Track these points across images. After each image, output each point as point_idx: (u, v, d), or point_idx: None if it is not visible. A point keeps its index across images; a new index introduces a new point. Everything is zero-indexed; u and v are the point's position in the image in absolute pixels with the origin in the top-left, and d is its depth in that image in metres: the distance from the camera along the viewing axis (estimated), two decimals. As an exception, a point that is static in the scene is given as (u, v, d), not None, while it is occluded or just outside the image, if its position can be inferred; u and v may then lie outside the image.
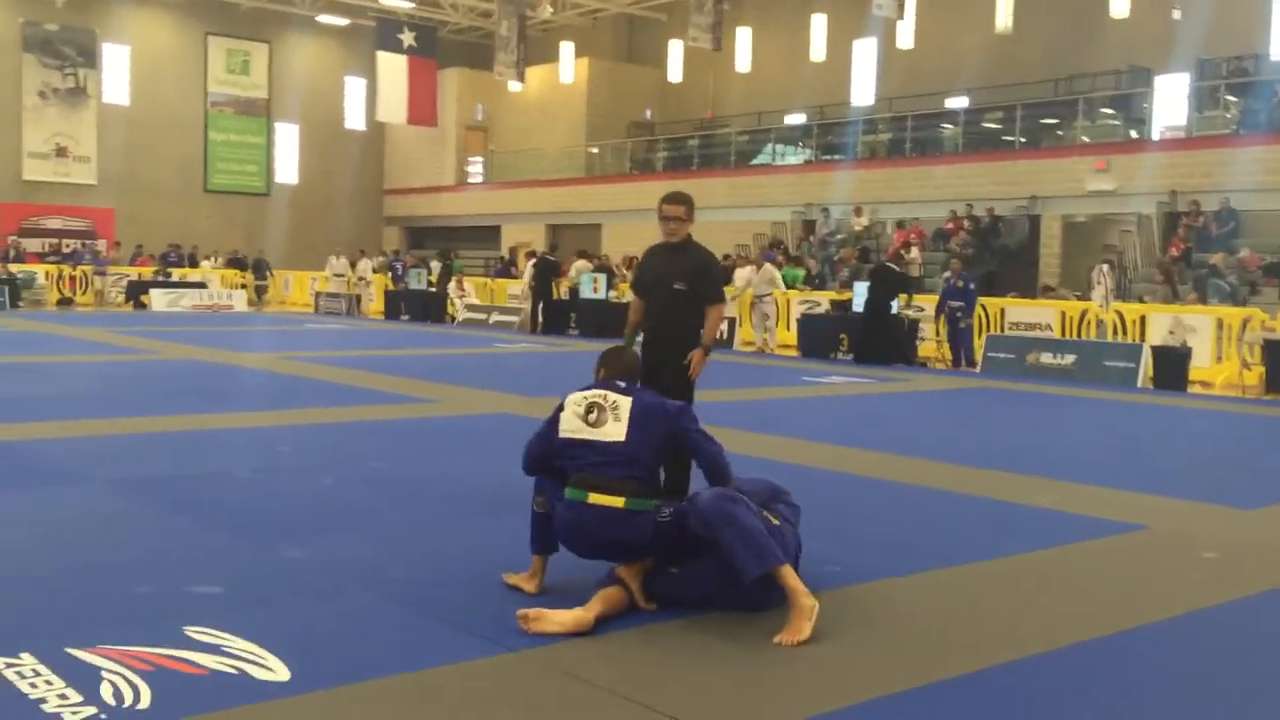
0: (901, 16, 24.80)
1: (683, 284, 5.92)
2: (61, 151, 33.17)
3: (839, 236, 24.89)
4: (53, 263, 30.11)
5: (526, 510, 4.58)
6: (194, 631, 3.89)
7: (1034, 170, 22.80)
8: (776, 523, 4.39)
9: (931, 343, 18.13)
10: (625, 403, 4.36)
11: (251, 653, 3.72)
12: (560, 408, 4.45)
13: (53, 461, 7.05)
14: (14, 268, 27.98)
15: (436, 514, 5.93)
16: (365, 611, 4.25)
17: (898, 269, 17.72)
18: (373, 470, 7.11)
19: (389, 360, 15.17)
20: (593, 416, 4.33)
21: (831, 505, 6.47)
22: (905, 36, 26.00)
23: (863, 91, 28.61)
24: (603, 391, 4.42)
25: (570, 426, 4.37)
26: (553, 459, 4.43)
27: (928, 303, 18.70)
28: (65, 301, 28.24)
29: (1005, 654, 3.97)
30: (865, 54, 28.56)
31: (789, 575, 4.11)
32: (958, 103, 26.20)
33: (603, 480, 4.22)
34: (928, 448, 8.70)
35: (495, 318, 24.29)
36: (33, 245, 31.80)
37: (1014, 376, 15.30)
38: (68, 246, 32.31)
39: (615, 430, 4.29)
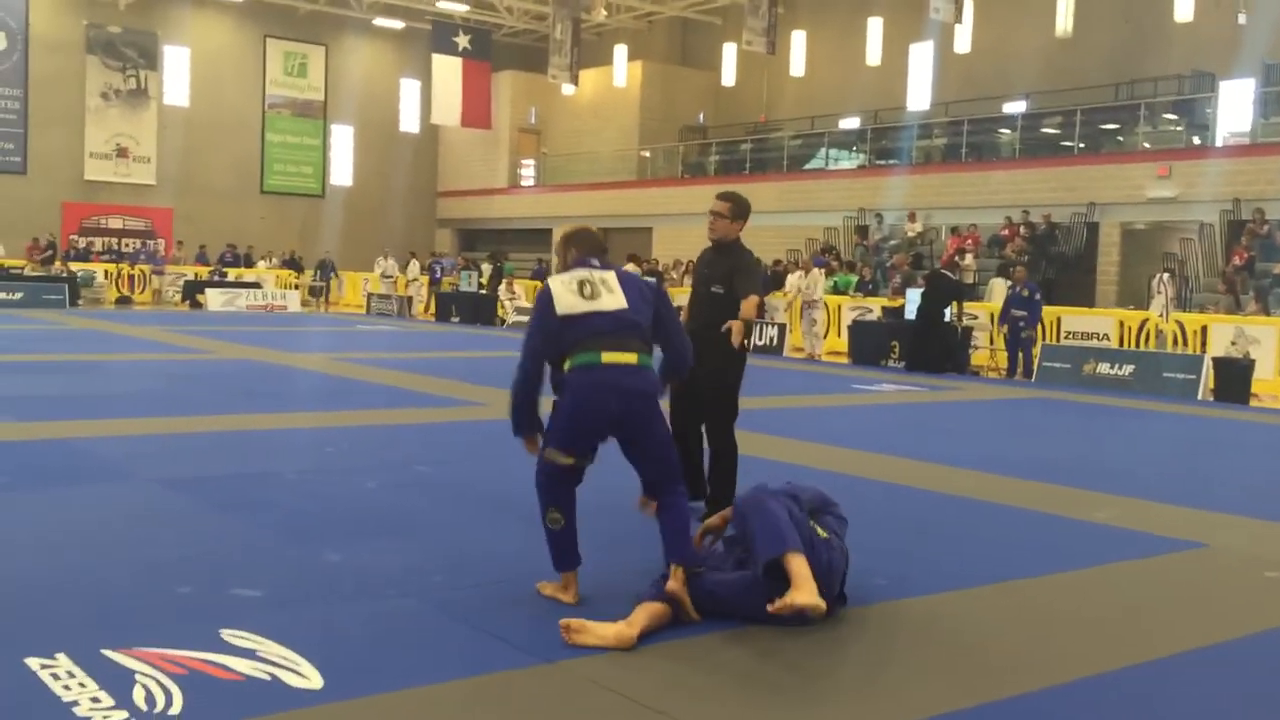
0: (959, 20, 24.50)
1: (720, 287, 5.80)
2: (122, 152, 33.71)
3: (892, 242, 24.63)
4: (111, 261, 30.61)
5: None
6: (230, 635, 3.87)
7: (1093, 176, 22.41)
8: (825, 535, 4.29)
9: (985, 351, 17.87)
10: (610, 275, 4.42)
11: (286, 658, 3.68)
12: (547, 296, 4.38)
13: (104, 460, 7.10)
14: (74, 266, 28.49)
15: (479, 519, 5.88)
16: (402, 617, 4.20)
17: (951, 276, 17.46)
18: (418, 474, 7.09)
19: (438, 362, 15.21)
20: (588, 290, 4.34)
21: (880, 517, 6.35)
22: (962, 40, 25.69)
23: (918, 96, 28.29)
24: (586, 271, 4.41)
25: (567, 304, 4.32)
26: (554, 342, 4.34)
27: (981, 310, 18.44)
28: (124, 300, 28.70)
29: (1060, 675, 3.84)
30: (921, 58, 28.23)
31: (797, 563, 4.04)
32: (1015, 107, 25.84)
33: (613, 341, 4.25)
34: (980, 459, 8.53)
35: (545, 320, 24.24)
36: (93, 244, 32.34)
37: (1070, 387, 15.03)
38: (127, 245, 32.83)
39: (613, 300, 4.33)
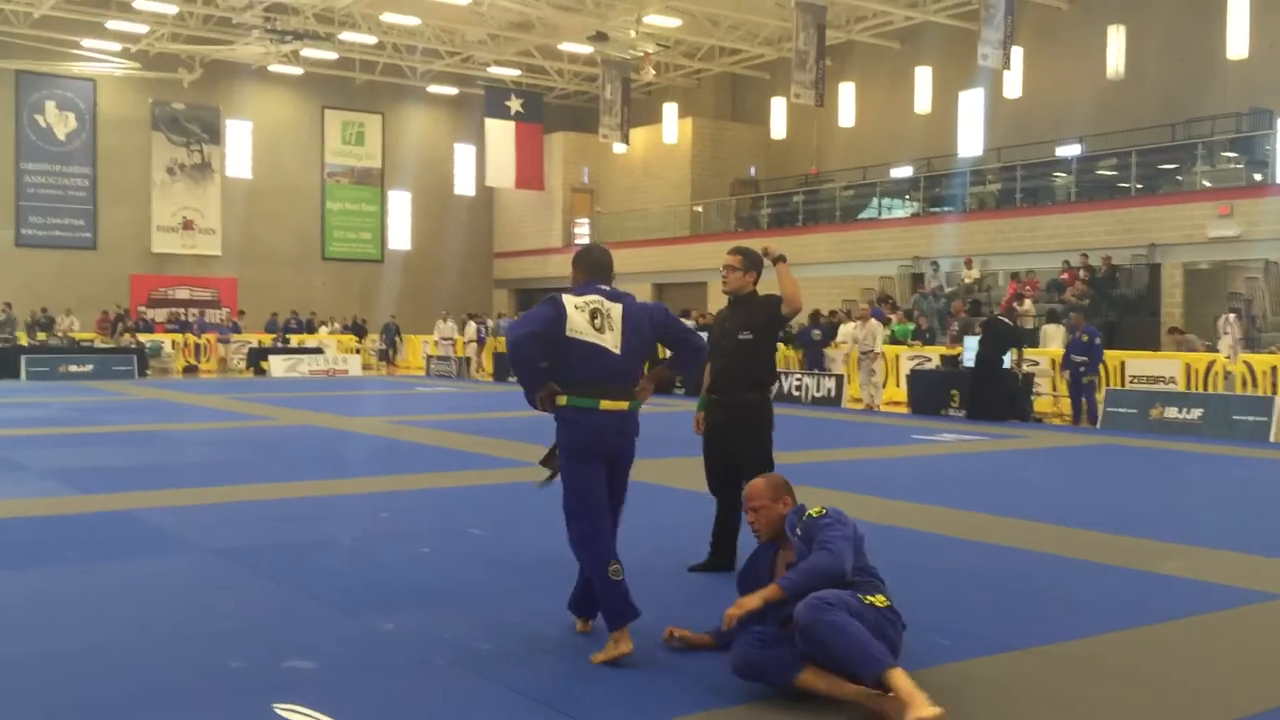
0: (1008, 67, 24.42)
1: (748, 333, 5.94)
2: (188, 224, 34.54)
3: (949, 290, 24.42)
4: (178, 331, 31.26)
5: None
6: (283, 709, 3.86)
7: (1152, 217, 22.08)
8: (884, 604, 4.15)
9: (1048, 398, 17.56)
10: (617, 311, 4.69)
11: (338, 732, 3.66)
12: (558, 303, 4.61)
13: (163, 530, 7.18)
14: (142, 337, 29.12)
15: (533, 584, 5.83)
16: (455, 689, 4.16)
17: (1009, 322, 17.25)
18: (472, 539, 7.07)
19: (495, 423, 15.26)
20: (597, 322, 4.64)
21: (941, 572, 6.21)
22: (1012, 86, 25.61)
23: (970, 142, 28.18)
24: (598, 298, 4.69)
25: (578, 327, 4.59)
26: (552, 346, 4.57)
27: (1042, 356, 18.17)
28: (190, 369, 29.24)
29: (1129, 740, 3.70)
30: (972, 104, 28.17)
31: (900, 678, 3.81)
32: (1069, 150, 25.61)
33: (610, 390, 4.62)
34: (1044, 509, 8.34)
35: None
36: (160, 315, 33.08)
37: (1137, 433, 14.70)
38: (193, 316, 33.53)
39: (612, 340, 4.63)
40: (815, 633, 3.88)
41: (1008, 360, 16.28)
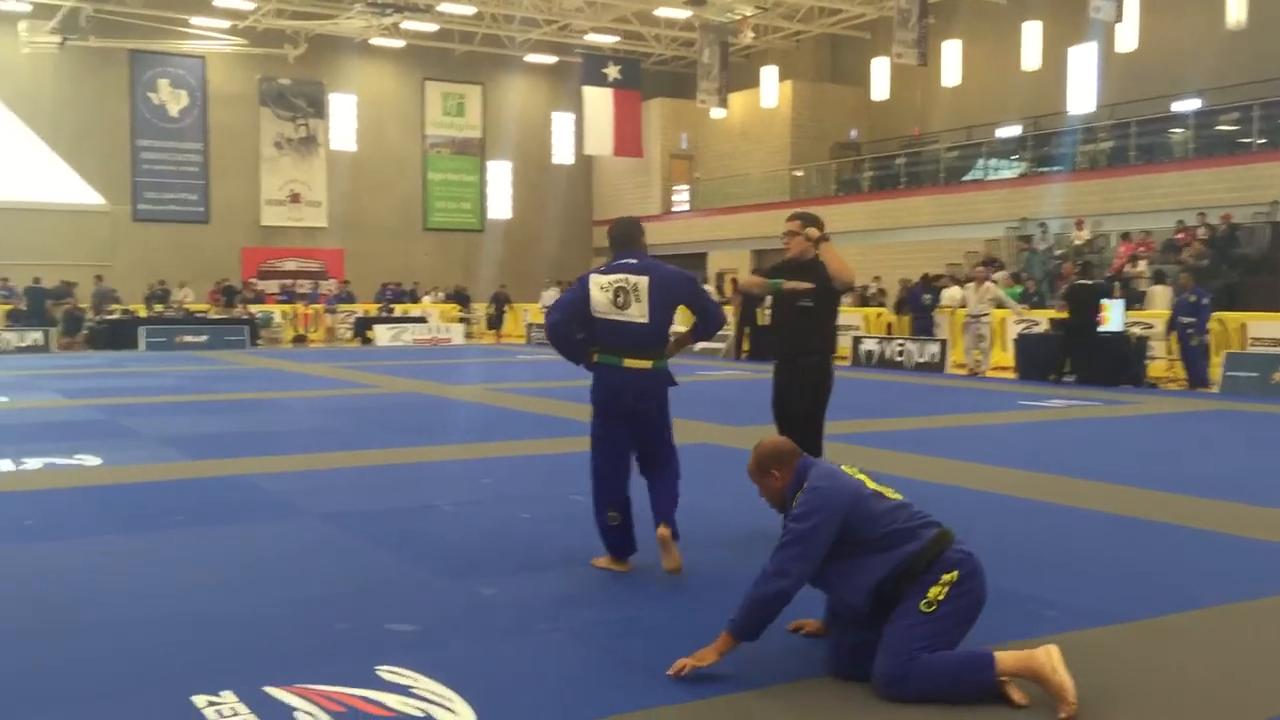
0: (1121, 19, 23.54)
1: (808, 301, 5.91)
2: (295, 197, 35.29)
3: (1059, 251, 23.73)
4: (287, 302, 32.04)
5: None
6: (386, 671, 3.91)
7: (1275, 173, 21.12)
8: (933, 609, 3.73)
9: (1162, 362, 17.00)
10: (644, 283, 5.14)
11: (439, 695, 3.70)
12: (584, 285, 5.19)
13: (270, 496, 7.36)
14: (253, 308, 29.92)
15: (640, 551, 5.82)
16: (554, 653, 4.18)
17: (1091, 282, 16.80)
18: (572, 504, 7.09)
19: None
20: (621, 300, 5.14)
21: (1049, 541, 6.06)
22: (1126, 39, 24.65)
23: (1081, 99, 27.26)
24: (624, 275, 5.15)
25: (602, 308, 5.15)
26: (581, 322, 5.21)
27: (1156, 319, 17.59)
28: (299, 339, 29.97)
29: (1256, 713, 3.55)
30: (1083, 60, 27.23)
31: (1008, 662, 3.63)
32: (1186, 105, 24.62)
33: (634, 350, 5.15)
34: (1157, 477, 8.07)
35: (700, 344, 24.25)
36: (270, 286, 33.92)
37: (1257, 397, 14.14)
38: (301, 287, 34.32)
39: (639, 312, 5.12)
40: (907, 682, 3.60)
41: (1121, 323, 15.80)
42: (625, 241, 5.35)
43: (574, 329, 5.25)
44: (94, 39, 30.22)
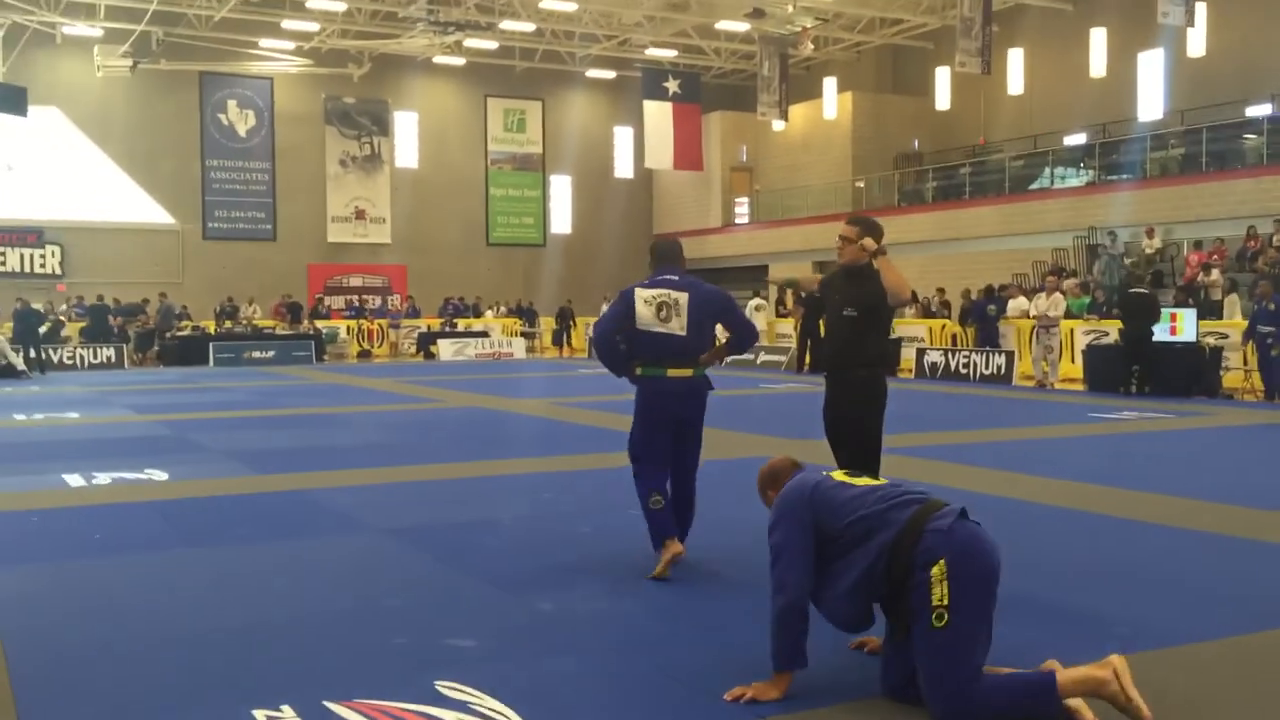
0: (1191, 24, 23.08)
1: (853, 309, 5.62)
2: (359, 214, 35.77)
3: (1129, 260, 23.28)
4: (352, 318, 32.46)
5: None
6: (444, 686, 3.90)
7: (1354, 178, 20.57)
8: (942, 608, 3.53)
9: (1238, 372, 16.58)
10: (684, 299, 5.53)
11: (497, 712, 3.68)
12: (629, 298, 5.57)
13: (332, 510, 7.41)
14: (320, 324, 30.34)
15: (689, 566, 5.77)
16: (613, 670, 4.14)
17: (1145, 291, 16.49)
18: (630, 519, 7.03)
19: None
20: (664, 314, 5.53)
21: (1120, 557, 5.90)
22: (1196, 44, 24.17)
23: (1150, 105, 26.77)
24: (666, 291, 5.54)
25: (646, 320, 5.53)
26: (623, 339, 5.60)
27: (1231, 329, 17.18)
28: (364, 354, 30.32)
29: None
30: (1151, 65, 26.75)
31: (1071, 682, 3.45)
32: (1260, 110, 24.05)
33: (674, 361, 5.55)
34: (1231, 490, 7.84)
35: (762, 357, 24.14)
36: (335, 302, 34.38)
37: (1338, 408, 13.72)
38: (366, 302, 34.75)
39: (679, 325, 5.52)
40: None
41: (1194, 334, 15.47)
42: (669, 258, 5.76)
43: (618, 340, 5.64)
44: (165, 62, 30.94)
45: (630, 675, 4.07)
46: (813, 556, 3.67)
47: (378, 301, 34.85)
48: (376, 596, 5.22)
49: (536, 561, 5.91)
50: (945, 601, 3.42)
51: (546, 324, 33.61)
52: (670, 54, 35.44)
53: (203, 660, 4.30)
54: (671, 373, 5.58)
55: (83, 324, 27.13)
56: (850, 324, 5.67)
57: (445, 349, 28.75)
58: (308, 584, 5.50)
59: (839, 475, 3.86)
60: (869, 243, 5.62)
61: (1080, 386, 17.80)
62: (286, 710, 3.70)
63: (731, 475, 9.12)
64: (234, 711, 3.70)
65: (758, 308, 26.83)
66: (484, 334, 30.81)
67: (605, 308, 27.00)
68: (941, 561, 3.45)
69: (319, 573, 5.74)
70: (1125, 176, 25.65)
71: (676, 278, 5.63)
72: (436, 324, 31.61)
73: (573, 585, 5.37)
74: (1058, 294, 18.57)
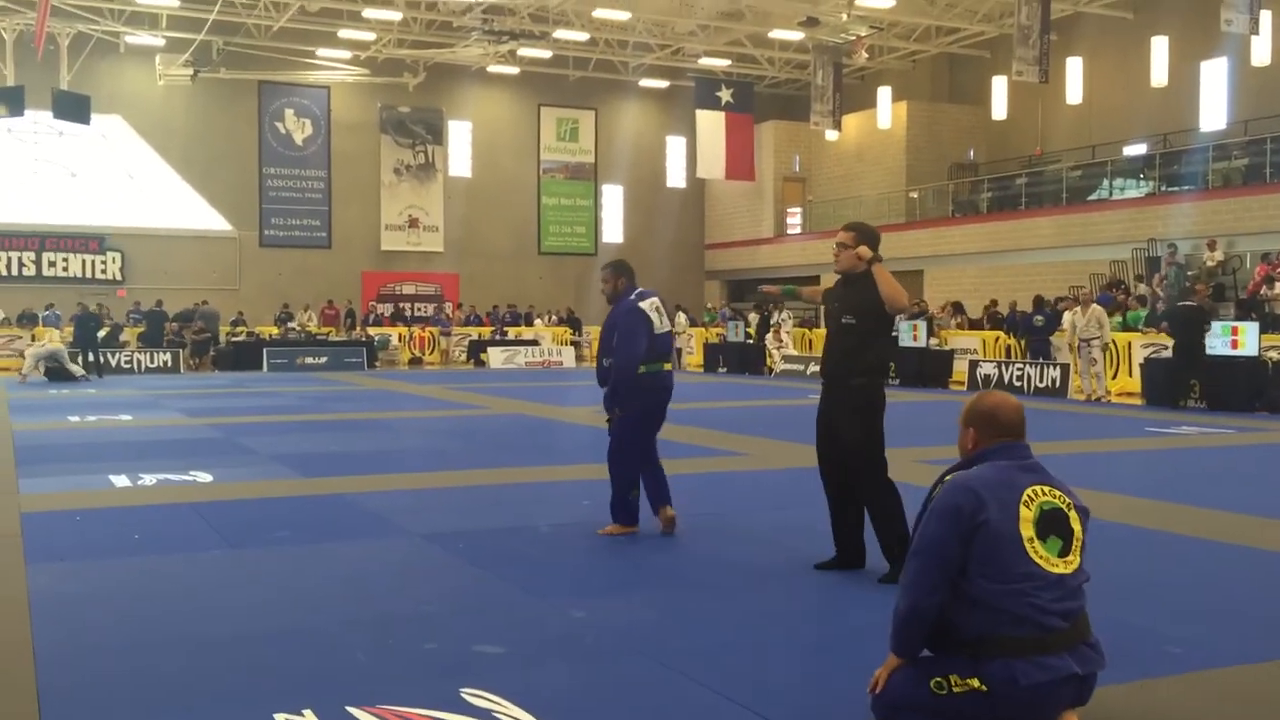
0: (1256, 32, 22.57)
1: (851, 317, 5.57)
2: (413, 223, 36.01)
3: (1190, 273, 22.80)
4: (405, 325, 32.68)
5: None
6: (470, 694, 3.84)
7: None
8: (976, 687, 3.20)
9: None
10: (660, 303, 6.63)
11: (520, 720, 3.61)
12: (642, 310, 6.46)
13: (373, 514, 7.39)
14: (371, 330, 30.58)
15: (727, 577, 5.67)
16: (642, 680, 4.05)
17: (1194, 303, 16.10)
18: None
19: (702, 413, 15.17)
20: (660, 317, 6.55)
21: (1176, 574, 5.71)
22: (1260, 52, 23.64)
23: (1212, 115, 26.23)
24: (653, 299, 6.57)
25: (655, 324, 6.47)
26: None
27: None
28: (415, 361, 30.51)
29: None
30: (1214, 75, 26.21)
31: None
32: (1327, 120, 23.46)
33: (666, 356, 6.63)
34: (1296, 509, 7.58)
35: (813, 368, 23.94)
36: (389, 309, 34.63)
37: None
38: (419, 310, 34.97)
39: (666, 325, 6.59)
40: None
41: (1260, 347, 15.09)
42: (632, 277, 6.76)
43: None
44: (225, 71, 31.38)
45: (660, 686, 3.98)
46: (955, 571, 3.19)
47: (429, 309, 35.02)
48: (410, 601, 5.18)
49: (572, 569, 5.85)
50: (956, 691, 3.15)
51: (595, 332, 33.66)
52: (723, 63, 35.34)
53: (230, 662, 4.27)
54: (665, 366, 6.60)
55: (140, 329, 27.56)
56: (849, 332, 5.60)
57: (495, 357, 28.84)
58: (342, 587, 5.47)
59: (1030, 526, 3.22)
60: (864, 250, 5.56)
61: (1138, 400, 17.44)
62: (308, 714, 3.66)
63: (762, 484, 9.01)
64: (256, 714, 3.66)
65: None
66: (534, 342, 30.87)
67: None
68: (982, 685, 3.13)
69: (354, 576, 5.70)
70: (1186, 187, 25.13)
71: (644, 289, 6.69)
72: (487, 332, 31.74)
73: (607, 594, 5.30)
74: (1095, 307, 18.19)
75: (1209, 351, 15.61)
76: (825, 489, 5.79)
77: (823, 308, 6.21)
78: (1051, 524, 3.24)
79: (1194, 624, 4.75)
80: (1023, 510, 3.22)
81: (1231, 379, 15.41)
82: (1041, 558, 3.19)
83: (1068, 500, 3.33)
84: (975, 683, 3.12)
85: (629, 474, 6.64)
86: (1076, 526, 3.28)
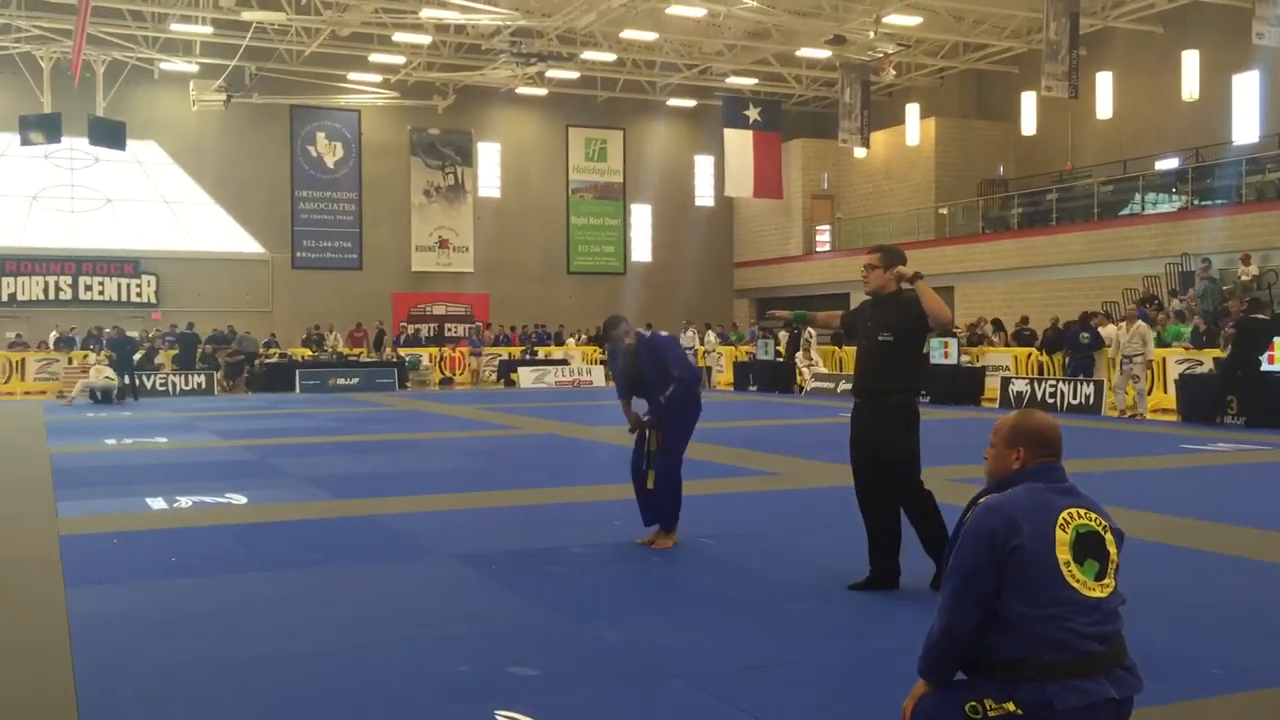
0: (1288, 43, 22.39)
1: (889, 334, 5.69)
2: (443, 244, 36.23)
3: (1225, 288, 22.57)
4: (435, 346, 32.84)
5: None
6: (504, 715, 3.86)
7: None
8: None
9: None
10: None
11: (555, 742, 3.61)
12: (676, 339, 7.39)
13: (405, 535, 7.42)
14: (403, 351, 30.75)
15: (757, 596, 5.66)
16: (673, 701, 4.05)
17: (1264, 317, 15.86)
18: (700, 547, 6.97)
19: (732, 432, 15.15)
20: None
21: (1216, 594, 5.65)
22: (1294, 64, 23.47)
23: (1245, 128, 26.02)
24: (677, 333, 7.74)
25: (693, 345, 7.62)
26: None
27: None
28: (446, 381, 30.63)
29: None
30: (1246, 88, 26.02)
31: None
32: (1362, 132, 23.23)
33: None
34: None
35: (844, 386, 23.85)
36: (421, 330, 34.80)
37: None
38: (449, 331, 35.13)
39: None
40: None
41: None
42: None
43: None
44: (257, 96, 31.77)
45: (695, 708, 3.97)
46: (990, 595, 3.11)
47: (473, 331, 35.16)
48: (443, 622, 5.20)
49: (604, 590, 5.85)
50: (992, 715, 3.07)
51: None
52: (751, 82, 35.41)
53: (265, 683, 4.30)
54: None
55: (174, 352, 27.84)
56: (886, 349, 5.71)
57: (525, 376, 28.91)
58: (375, 608, 5.49)
59: (1066, 549, 3.16)
60: (904, 270, 5.72)
61: (1173, 417, 17.26)
62: (344, 737, 3.67)
63: (794, 504, 8.98)
64: (292, 737, 3.67)
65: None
66: (564, 361, 30.94)
67: (686, 334, 27.47)
68: (1018, 709, 3.06)
69: (387, 597, 5.73)
70: (1219, 201, 24.92)
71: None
72: (517, 352, 31.85)
73: (639, 614, 5.29)
74: (1139, 324, 18.02)
75: (1263, 368, 15.42)
76: (861, 508, 5.82)
77: (850, 328, 6.32)
78: (1087, 547, 3.20)
79: (1234, 645, 4.70)
80: (1059, 534, 3.17)
81: (1271, 396, 15.23)
82: (1079, 582, 3.15)
83: (1103, 523, 3.30)
84: (1010, 706, 3.07)
85: (678, 485, 7.12)
86: (1112, 549, 3.25)
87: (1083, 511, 3.26)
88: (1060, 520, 3.19)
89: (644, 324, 33.18)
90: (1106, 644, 3.13)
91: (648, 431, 7.08)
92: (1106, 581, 3.19)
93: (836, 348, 27.39)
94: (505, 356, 31.32)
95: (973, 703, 3.10)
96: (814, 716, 3.82)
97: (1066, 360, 20.28)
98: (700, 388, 7.36)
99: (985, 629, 3.14)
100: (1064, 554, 3.15)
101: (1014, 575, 3.11)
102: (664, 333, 7.34)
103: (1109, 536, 3.25)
